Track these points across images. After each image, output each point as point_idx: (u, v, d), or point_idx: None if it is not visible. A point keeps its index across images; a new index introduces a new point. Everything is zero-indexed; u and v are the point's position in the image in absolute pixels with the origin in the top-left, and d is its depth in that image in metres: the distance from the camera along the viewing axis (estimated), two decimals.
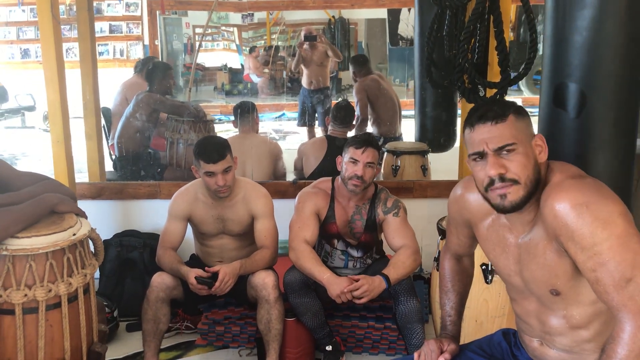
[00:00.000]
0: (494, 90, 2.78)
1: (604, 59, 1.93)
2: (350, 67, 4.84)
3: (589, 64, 1.94)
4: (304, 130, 5.51)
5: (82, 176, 3.69)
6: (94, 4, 5.61)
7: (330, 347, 2.61)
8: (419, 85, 4.16)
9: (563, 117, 2.01)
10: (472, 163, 1.44)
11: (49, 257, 1.80)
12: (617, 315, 1.30)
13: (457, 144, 3.49)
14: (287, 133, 5.92)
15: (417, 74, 4.15)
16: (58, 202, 1.90)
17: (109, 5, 6.31)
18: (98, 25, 6.01)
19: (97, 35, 5.77)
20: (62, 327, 1.81)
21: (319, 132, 5.28)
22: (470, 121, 1.44)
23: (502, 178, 1.37)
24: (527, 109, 1.96)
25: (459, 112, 4.05)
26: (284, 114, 6.16)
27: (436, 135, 4.14)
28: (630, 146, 2.08)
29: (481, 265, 2.33)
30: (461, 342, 1.77)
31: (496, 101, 1.45)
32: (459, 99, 3.90)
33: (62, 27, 2.96)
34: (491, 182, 1.39)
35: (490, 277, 2.35)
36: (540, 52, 2.54)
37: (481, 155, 1.40)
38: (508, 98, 3.10)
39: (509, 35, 4.89)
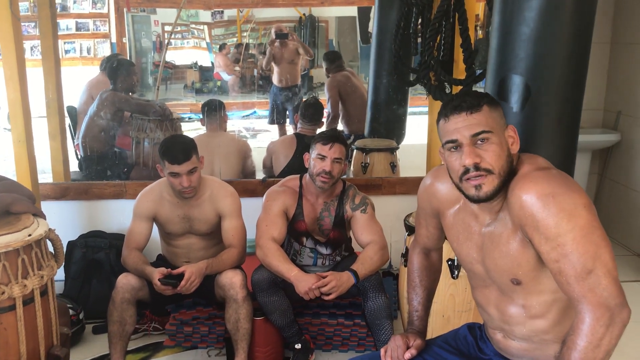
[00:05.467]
0: (460, 87, 2.81)
1: (550, 52, 1.92)
2: (323, 64, 4.84)
3: (534, 56, 1.93)
4: (275, 128, 5.48)
5: (46, 176, 3.62)
6: (60, 1, 5.48)
7: (300, 345, 2.60)
8: (372, 81, 4.21)
9: (507, 110, 2.00)
10: (446, 153, 1.45)
11: (2, 259, 1.74)
12: (577, 307, 1.32)
13: (424, 140, 3.52)
14: (258, 131, 5.89)
15: (372, 70, 4.19)
16: (12, 202, 1.85)
17: (75, 2, 6.17)
18: (64, 22, 5.87)
19: (63, 33, 5.65)
20: (17, 330, 1.76)
21: (290, 129, 5.26)
22: (445, 112, 1.44)
23: (477, 167, 1.38)
24: None
25: (425, 109, 4.11)
26: (255, 112, 6.11)
27: (388, 129, 4.20)
28: (573, 141, 2.09)
29: (447, 261, 2.34)
30: (428, 337, 1.77)
31: (469, 92, 1.47)
32: (426, 95, 3.94)
33: (27, 24, 2.89)
34: (466, 171, 1.40)
35: (456, 272, 2.37)
36: None
37: (456, 145, 1.40)
38: None
39: (479, 33, 4.94)
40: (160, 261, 2.75)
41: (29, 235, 1.78)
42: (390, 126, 4.22)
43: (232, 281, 2.47)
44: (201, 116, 3.88)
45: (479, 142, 1.39)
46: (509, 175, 1.41)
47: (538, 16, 1.90)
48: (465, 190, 1.43)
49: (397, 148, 3.94)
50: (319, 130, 3.79)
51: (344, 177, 2.91)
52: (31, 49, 4.80)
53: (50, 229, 1.90)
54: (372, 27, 4.51)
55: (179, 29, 6.31)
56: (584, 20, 1.94)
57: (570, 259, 1.30)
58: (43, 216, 1.97)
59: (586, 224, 1.30)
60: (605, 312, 1.28)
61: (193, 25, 6.44)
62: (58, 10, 5.32)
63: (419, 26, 3.10)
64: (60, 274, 3.10)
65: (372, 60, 4.17)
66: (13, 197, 1.88)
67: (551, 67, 1.95)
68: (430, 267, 1.83)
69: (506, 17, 1.99)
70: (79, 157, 4.12)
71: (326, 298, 2.39)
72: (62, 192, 3.35)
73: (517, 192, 1.37)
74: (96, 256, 3.16)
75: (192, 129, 4.94)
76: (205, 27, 6.47)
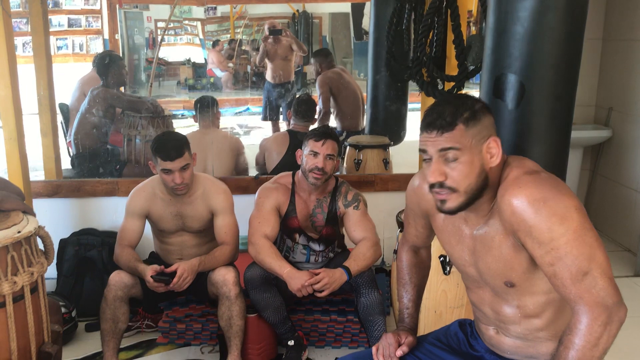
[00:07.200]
0: (452, 84, 2.82)
1: (543, 51, 1.96)
2: (312, 60, 4.84)
3: (528, 55, 1.97)
4: (268, 124, 5.47)
5: (38, 174, 3.60)
6: None
7: (293, 341, 2.61)
8: (371, 78, 4.19)
9: (502, 108, 2.04)
10: (422, 159, 1.46)
11: None
12: (574, 308, 1.32)
13: (417, 137, 3.52)
14: (252, 128, 5.88)
15: (371, 67, 4.18)
16: (1, 200, 1.85)
17: None
18: (56, 19, 5.84)
19: (55, 29, 5.62)
20: (8, 327, 1.75)
21: (284, 126, 5.25)
22: (422, 124, 1.42)
23: (441, 185, 1.39)
24: None
25: (418, 105, 4.10)
26: (248, 109, 6.11)
27: (387, 128, 4.19)
28: (566, 138, 2.13)
29: (439, 257, 2.35)
30: (420, 333, 1.78)
31: (451, 103, 1.40)
32: (418, 92, 3.95)
33: (19, 20, 2.87)
34: (432, 186, 1.40)
35: (448, 269, 2.38)
36: None
37: (428, 157, 1.40)
38: (470, 92, 3.12)
39: (472, 29, 4.94)
40: (153, 258, 2.75)
41: (18, 232, 1.77)
42: (389, 124, 4.21)
43: (225, 278, 2.47)
44: (194, 113, 3.87)
45: (447, 157, 1.37)
46: (482, 189, 1.40)
47: (531, 16, 1.93)
48: (434, 199, 1.45)
49: (390, 145, 3.93)
50: (311, 127, 3.79)
51: (337, 173, 2.91)
52: (23, 45, 4.77)
53: (40, 226, 1.89)
54: (369, 22, 4.49)
55: (172, 25, 6.29)
56: (576, 20, 1.98)
57: (565, 262, 1.30)
58: (33, 213, 1.96)
59: (579, 227, 1.30)
60: (603, 312, 1.29)
61: (186, 22, 6.42)
62: (50, 6, 5.28)
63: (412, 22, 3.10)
64: (52, 272, 3.10)
65: (370, 57, 4.17)
66: (2, 194, 1.87)
67: (544, 66, 1.99)
68: (420, 264, 1.84)
69: (501, 17, 2.03)
70: (71, 154, 4.11)
71: (319, 295, 2.39)
72: (54, 189, 3.33)
73: (507, 197, 1.36)
74: (88, 254, 3.15)
75: (185, 125, 4.93)
76: (199, 23, 6.45)
